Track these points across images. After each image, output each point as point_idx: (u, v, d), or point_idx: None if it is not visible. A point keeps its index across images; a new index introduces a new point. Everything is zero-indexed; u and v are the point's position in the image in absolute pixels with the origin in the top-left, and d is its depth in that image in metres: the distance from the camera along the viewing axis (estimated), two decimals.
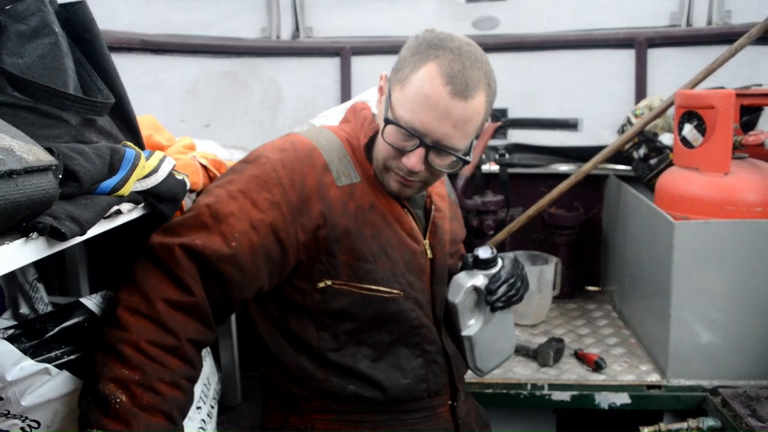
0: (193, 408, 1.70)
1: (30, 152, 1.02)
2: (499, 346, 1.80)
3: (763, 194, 2.23)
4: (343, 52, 3.39)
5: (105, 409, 1.28)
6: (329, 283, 1.59)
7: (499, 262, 1.73)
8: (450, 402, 1.76)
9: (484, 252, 1.71)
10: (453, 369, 1.75)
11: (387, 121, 1.53)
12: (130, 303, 1.39)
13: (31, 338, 1.36)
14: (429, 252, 1.72)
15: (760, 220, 2.18)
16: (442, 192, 1.84)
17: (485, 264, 1.71)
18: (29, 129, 1.15)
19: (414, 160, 1.53)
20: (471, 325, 1.71)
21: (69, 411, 1.38)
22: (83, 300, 1.48)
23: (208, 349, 1.97)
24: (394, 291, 1.63)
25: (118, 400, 1.28)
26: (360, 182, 1.62)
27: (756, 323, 2.21)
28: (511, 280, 1.71)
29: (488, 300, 1.69)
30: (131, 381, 1.30)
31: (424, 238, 1.73)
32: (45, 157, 1.05)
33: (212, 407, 1.85)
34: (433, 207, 1.77)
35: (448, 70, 1.47)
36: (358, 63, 3.41)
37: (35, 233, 1.04)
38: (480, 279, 1.70)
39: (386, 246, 1.63)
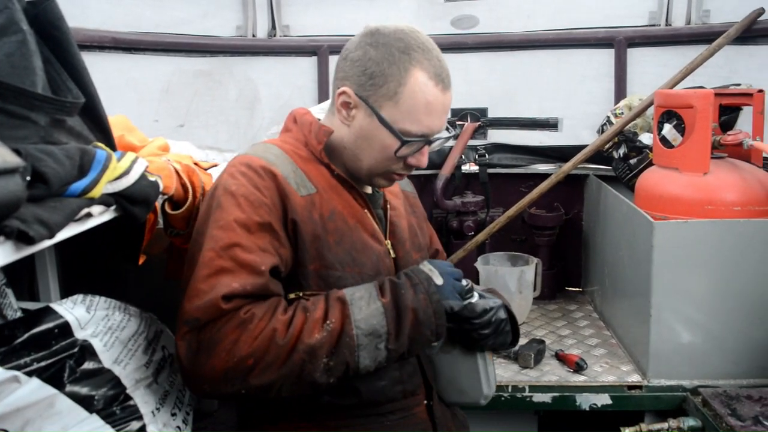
0: (167, 414, 1.67)
1: None
2: (461, 386, 1.75)
3: (742, 194, 2.24)
4: (320, 51, 3.36)
5: None
6: (300, 294, 1.58)
7: (476, 295, 1.68)
8: (426, 401, 1.74)
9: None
10: (426, 368, 1.74)
11: (403, 141, 1.59)
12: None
13: None
14: (392, 251, 1.74)
15: (739, 219, 2.19)
16: (394, 189, 1.88)
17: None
18: None
19: (425, 158, 1.66)
20: (434, 345, 1.66)
21: (40, 419, 1.35)
22: (54, 305, 1.45)
23: None
24: None
25: None
26: (317, 192, 1.62)
27: (736, 323, 2.21)
28: (486, 318, 1.66)
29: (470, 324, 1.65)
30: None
31: (386, 239, 1.74)
32: (12, 159, 1.02)
33: (188, 413, 1.81)
34: (388, 206, 1.81)
35: (433, 71, 1.58)
36: (335, 62, 3.38)
37: (2, 237, 1.02)
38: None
39: (352, 251, 1.63)
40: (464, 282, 1.66)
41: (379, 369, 1.62)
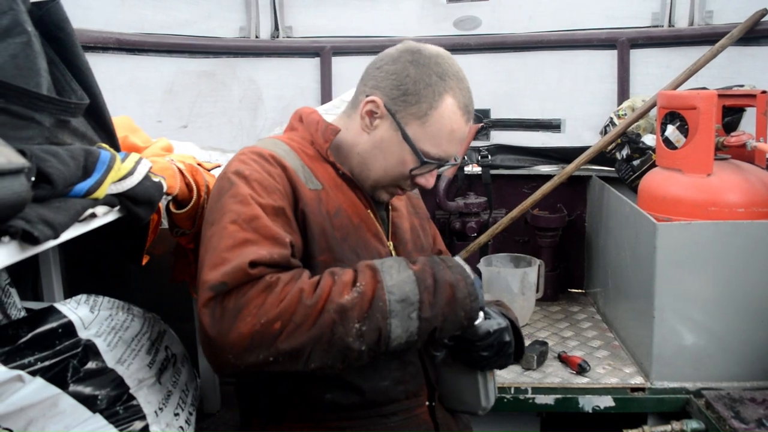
0: (170, 414, 1.67)
1: (2, 154, 1.00)
2: (460, 396, 1.73)
3: (745, 195, 2.23)
4: (323, 52, 3.36)
5: None
6: None
7: (481, 315, 1.62)
8: (428, 403, 1.74)
9: None
10: (428, 369, 1.74)
11: (423, 161, 1.63)
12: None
13: (3, 344, 1.34)
14: (394, 253, 1.74)
15: (742, 221, 2.18)
16: None
17: None
18: (1, 131, 1.14)
19: (432, 179, 1.71)
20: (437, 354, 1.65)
21: (43, 418, 1.35)
22: (57, 305, 1.46)
23: (186, 355, 1.94)
24: None
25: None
26: (323, 189, 1.63)
27: (739, 324, 2.21)
28: (488, 341, 1.62)
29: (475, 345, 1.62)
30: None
31: (388, 240, 1.75)
32: (17, 160, 1.03)
33: (191, 414, 1.82)
34: (390, 207, 1.82)
35: (462, 101, 1.64)
36: (338, 63, 3.39)
37: (7, 237, 1.03)
38: None
39: (357, 248, 1.63)
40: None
41: (383, 368, 1.62)
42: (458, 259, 1.59)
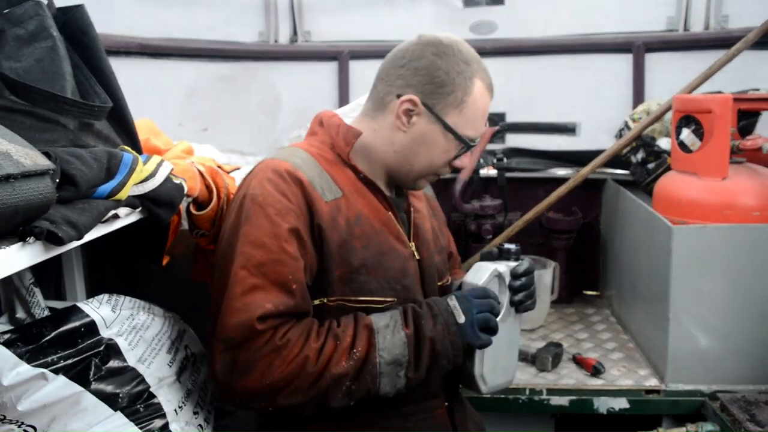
0: (190, 412, 1.69)
1: (27, 156, 1.02)
2: (505, 363, 1.76)
3: (760, 199, 2.23)
4: (341, 56, 3.39)
5: None
6: (324, 300, 1.61)
7: (524, 259, 1.76)
8: (446, 403, 1.76)
9: (510, 245, 1.75)
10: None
11: (469, 146, 1.70)
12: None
13: (27, 343, 1.36)
14: (416, 253, 1.75)
15: (758, 224, 2.18)
16: (417, 192, 1.88)
17: (510, 255, 1.75)
18: (27, 133, 1.15)
19: (467, 158, 1.84)
20: None
21: (66, 416, 1.38)
22: (80, 304, 1.47)
23: (206, 355, 1.96)
24: (388, 299, 1.65)
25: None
26: (342, 196, 1.64)
27: (754, 328, 2.20)
28: (532, 278, 1.77)
29: (512, 286, 1.72)
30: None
31: (410, 241, 1.75)
32: (42, 162, 1.05)
33: (209, 412, 1.84)
34: (412, 209, 1.82)
35: (488, 80, 1.70)
36: (356, 67, 3.41)
37: (32, 237, 1.05)
38: (503, 267, 1.71)
39: (378, 255, 1.64)
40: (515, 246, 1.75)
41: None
42: (452, 301, 1.62)
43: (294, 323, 1.52)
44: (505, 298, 1.71)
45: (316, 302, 1.60)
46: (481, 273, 1.69)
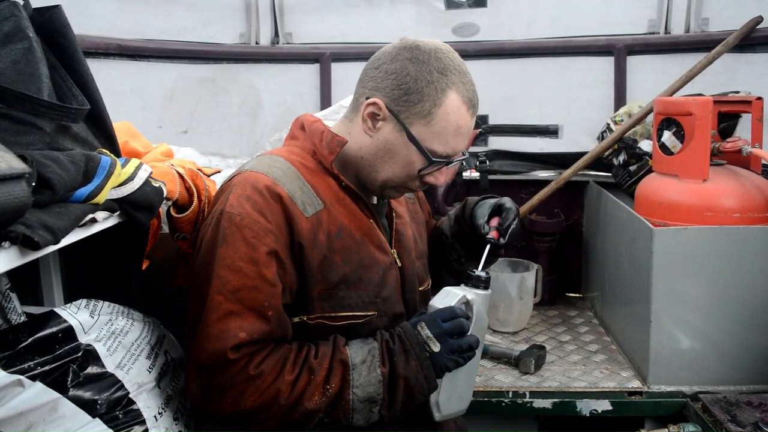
0: (170, 418, 1.67)
1: (2, 159, 1.00)
2: (461, 391, 1.71)
3: (740, 200, 2.24)
4: (322, 58, 3.38)
5: None
6: (304, 318, 1.59)
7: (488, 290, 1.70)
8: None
9: (481, 273, 1.68)
10: None
11: (431, 161, 1.60)
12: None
13: (3, 349, 1.34)
14: (398, 261, 1.74)
15: (738, 226, 2.20)
16: None
17: (479, 283, 1.67)
18: (2, 136, 1.14)
19: (443, 177, 1.68)
20: None
21: (43, 423, 1.36)
22: (57, 310, 1.46)
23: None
24: (369, 313, 1.64)
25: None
26: (324, 208, 1.60)
27: (735, 328, 2.22)
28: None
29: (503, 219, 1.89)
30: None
31: (391, 248, 1.74)
32: (18, 165, 1.03)
33: (190, 418, 1.82)
34: (394, 214, 1.80)
35: (467, 95, 1.59)
36: (337, 69, 3.40)
37: (7, 242, 1.03)
38: (471, 294, 1.64)
39: (359, 268, 1.63)
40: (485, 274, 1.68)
41: None
42: (423, 330, 1.57)
43: (270, 350, 1.51)
44: (470, 326, 1.63)
45: (296, 320, 1.59)
46: (449, 299, 1.64)
